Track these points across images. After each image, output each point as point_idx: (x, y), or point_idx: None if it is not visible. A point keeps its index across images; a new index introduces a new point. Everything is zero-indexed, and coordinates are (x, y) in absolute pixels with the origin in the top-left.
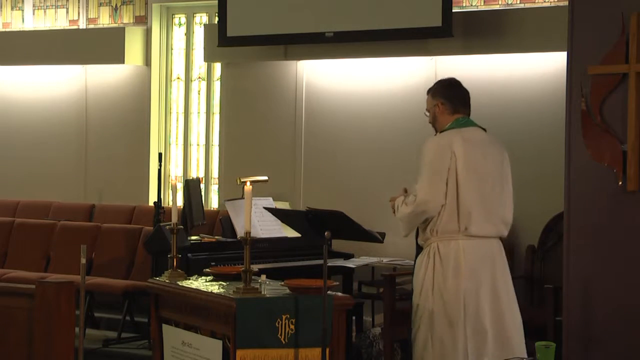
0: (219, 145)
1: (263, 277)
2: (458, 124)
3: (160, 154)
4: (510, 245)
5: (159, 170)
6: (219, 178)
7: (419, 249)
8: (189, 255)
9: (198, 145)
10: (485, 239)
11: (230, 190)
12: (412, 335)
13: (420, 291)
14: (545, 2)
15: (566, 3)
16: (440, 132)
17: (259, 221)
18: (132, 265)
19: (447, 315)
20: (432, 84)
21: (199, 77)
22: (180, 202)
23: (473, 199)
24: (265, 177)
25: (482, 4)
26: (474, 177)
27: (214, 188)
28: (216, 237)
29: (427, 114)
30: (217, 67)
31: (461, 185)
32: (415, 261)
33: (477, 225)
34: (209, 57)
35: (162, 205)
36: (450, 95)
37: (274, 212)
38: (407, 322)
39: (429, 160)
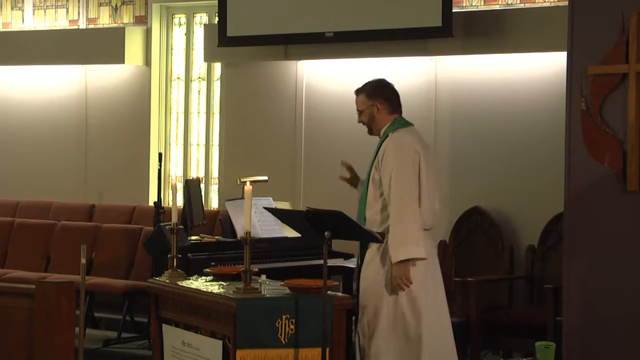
0: (219, 145)
1: (263, 277)
2: (400, 123)
3: (160, 154)
4: (510, 245)
5: (159, 170)
6: (219, 178)
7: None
8: (189, 255)
9: (198, 145)
10: (430, 230)
11: (230, 190)
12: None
13: (383, 285)
14: (545, 2)
15: (566, 3)
16: (387, 132)
17: (259, 221)
18: (132, 265)
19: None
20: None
21: (199, 77)
22: (180, 202)
23: (432, 195)
24: (265, 177)
25: (482, 4)
26: (430, 175)
27: (214, 188)
28: (216, 237)
29: (360, 114)
30: (217, 67)
31: (423, 185)
32: (362, 254)
33: (432, 219)
34: (209, 57)
35: (162, 205)
36: (388, 96)
37: (274, 212)
38: None
39: (405, 162)
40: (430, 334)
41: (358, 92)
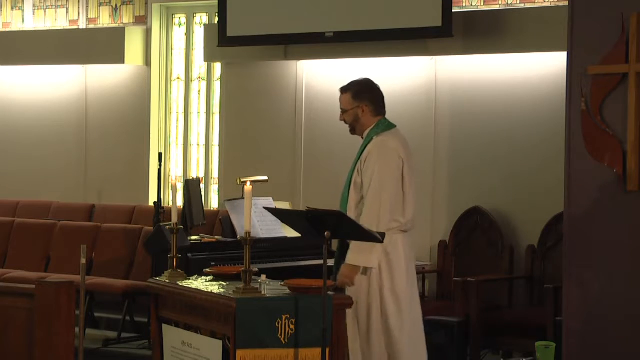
0: (219, 145)
1: (263, 277)
2: (384, 126)
3: (160, 154)
4: (510, 245)
5: (159, 170)
6: (219, 178)
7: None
8: (189, 255)
9: (198, 145)
10: (411, 232)
11: (230, 190)
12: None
13: (368, 290)
14: (545, 2)
15: (566, 3)
16: (371, 134)
17: (259, 221)
18: (132, 265)
19: (399, 309)
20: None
21: (199, 77)
22: (180, 202)
23: (413, 199)
24: (265, 177)
25: (482, 4)
26: (412, 178)
27: (214, 188)
28: (216, 237)
29: (343, 113)
30: (217, 67)
31: (406, 188)
32: (341, 251)
33: (412, 222)
34: (209, 57)
35: (162, 205)
36: (374, 98)
37: (274, 212)
38: None
39: (389, 168)
40: (410, 330)
41: (344, 90)
